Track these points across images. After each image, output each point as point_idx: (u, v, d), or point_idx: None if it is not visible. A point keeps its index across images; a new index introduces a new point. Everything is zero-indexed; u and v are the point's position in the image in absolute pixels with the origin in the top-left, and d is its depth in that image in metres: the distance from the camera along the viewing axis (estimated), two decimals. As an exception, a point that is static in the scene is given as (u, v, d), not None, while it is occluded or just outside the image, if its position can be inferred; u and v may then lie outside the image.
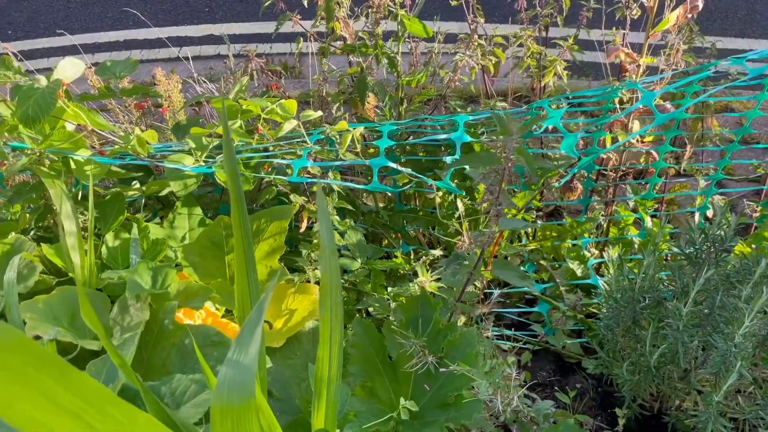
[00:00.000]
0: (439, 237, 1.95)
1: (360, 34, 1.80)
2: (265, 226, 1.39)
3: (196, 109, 2.24)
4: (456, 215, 1.77)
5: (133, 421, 0.56)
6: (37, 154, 1.28)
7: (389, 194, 1.89)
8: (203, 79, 2.36)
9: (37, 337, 1.05)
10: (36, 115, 1.18)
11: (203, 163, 1.37)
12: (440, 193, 1.77)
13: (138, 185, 1.56)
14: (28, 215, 1.39)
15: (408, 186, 1.55)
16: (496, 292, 1.35)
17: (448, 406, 1.09)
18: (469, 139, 1.39)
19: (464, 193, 1.53)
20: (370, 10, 1.60)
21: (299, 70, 3.34)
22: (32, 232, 1.40)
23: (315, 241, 1.63)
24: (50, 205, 1.40)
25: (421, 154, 1.79)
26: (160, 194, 1.66)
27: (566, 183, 1.53)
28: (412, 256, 1.82)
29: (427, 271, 1.49)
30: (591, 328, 1.77)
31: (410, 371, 1.15)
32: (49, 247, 1.33)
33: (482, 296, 1.42)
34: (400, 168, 1.38)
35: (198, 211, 1.57)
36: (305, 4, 1.79)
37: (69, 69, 1.26)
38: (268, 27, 3.87)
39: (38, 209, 1.39)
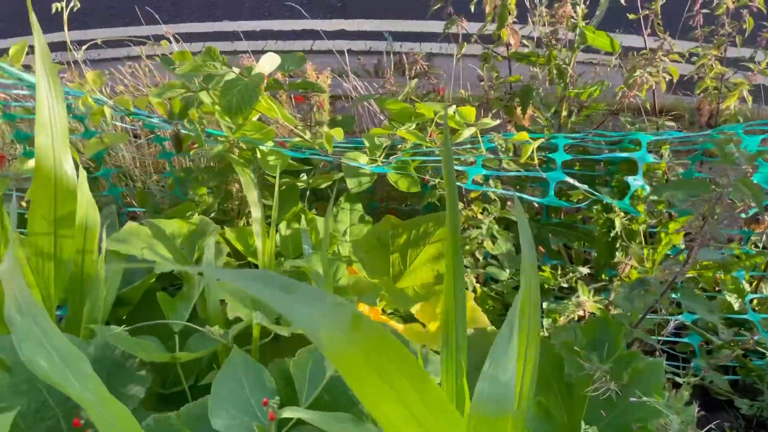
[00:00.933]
0: (585, 253, 1.91)
1: (524, 41, 1.78)
2: (432, 229, 1.40)
3: (346, 104, 2.29)
4: (612, 234, 1.72)
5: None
6: (231, 142, 1.35)
7: (535, 205, 1.86)
8: (351, 74, 2.40)
9: (237, 319, 1.11)
10: (239, 105, 1.24)
11: (380, 163, 1.39)
12: (595, 210, 1.73)
13: (305, 177, 1.61)
14: (210, 198, 1.47)
15: (585, 203, 1.52)
16: (672, 321, 1.30)
17: (628, 436, 1.06)
18: (651, 159, 1.35)
19: (641, 214, 1.48)
20: (548, 19, 1.57)
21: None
22: (212, 215, 1.48)
23: (467, 246, 1.64)
24: (230, 190, 1.47)
25: (576, 168, 1.75)
26: (320, 187, 1.72)
27: (754, 215, 1.45)
28: (559, 271, 1.78)
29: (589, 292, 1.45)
30: (746, 366, 1.67)
31: (585, 395, 1.12)
32: (231, 230, 1.40)
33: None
34: (577, 184, 1.35)
35: (359, 207, 1.60)
36: (471, 9, 1.79)
37: (268, 64, 1.32)
38: (398, 25, 3.90)
39: (220, 193, 1.46)
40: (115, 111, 1.41)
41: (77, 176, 1.09)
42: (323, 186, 1.72)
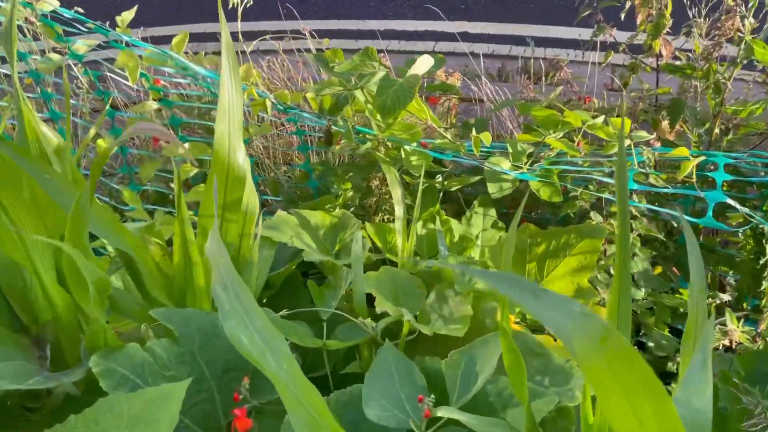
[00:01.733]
0: (721, 278, 1.80)
1: (676, 53, 1.70)
2: (574, 241, 1.38)
3: (474, 107, 2.29)
4: (761, 261, 1.61)
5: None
6: (379, 140, 1.38)
7: (674, 224, 1.78)
8: (484, 77, 2.40)
9: (384, 314, 1.14)
10: (393, 105, 1.27)
11: (526, 170, 1.38)
12: (742, 234, 1.63)
13: (440, 179, 1.62)
14: (350, 193, 1.51)
15: (744, 227, 1.44)
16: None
17: (789, 479, 1.00)
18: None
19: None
20: (707, 31, 1.50)
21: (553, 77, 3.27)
22: (351, 209, 1.52)
23: (602, 261, 1.59)
24: (372, 187, 1.51)
25: (725, 188, 1.65)
26: (450, 190, 1.72)
27: None
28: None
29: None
30: None
31: (740, 430, 1.06)
32: (371, 225, 1.43)
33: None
34: (738, 206, 1.28)
35: (492, 212, 1.60)
36: (621, 18, 1.73)
37: (423, 65, 1.34)
38: (523, 29, 3.86)
39: (362, 189, 1.51)
40: (274, 104, 1.48)
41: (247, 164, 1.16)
42: (453, 189, 1.73)
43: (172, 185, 2.09)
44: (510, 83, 3.22)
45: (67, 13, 1.57)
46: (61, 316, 1.02)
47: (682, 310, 1.68)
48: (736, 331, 1.36)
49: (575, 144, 1.41)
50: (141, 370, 1.01)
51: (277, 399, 1.10)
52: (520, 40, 3.78)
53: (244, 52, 2.65)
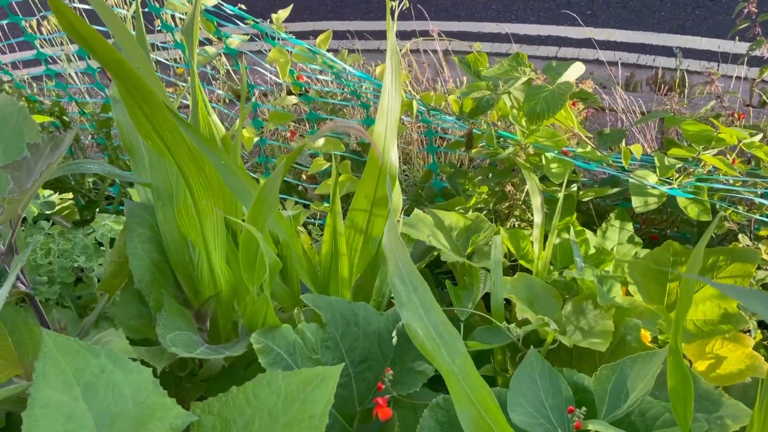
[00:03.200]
0: None
1: None
2: (723, 263, 1.31)
3: (607, 115, 2.23)
4: None
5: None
6: (522, 146, 1.38)
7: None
8: (619, 87, 2.33)
9: (525, 321, 1.13)
10: (542, 111, 1.27)
11: (676, 185, 1.33)
12: None
13: (575, 189, 1.59)
14: (484, 197, 1.52)
15: None
16: None
17: None
18: None
19: None
20: None
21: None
22: (484, 212, 1.53)
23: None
24: (506, 192, 1.51)
25: None
26: (583, 200, 1.69)
27: None
28: None
29: None
30: None
31: None
32: (504, 231, 1.43)
33: None
34: None
35: (629, 227, 1.55)
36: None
37: (574, 72, 1.33)
38: (652, 38, 3.70)
39: (496, 194, 1.51)
40: (420, 105, 1.52)
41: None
42: (586, 199, 1.69)
43: (302, 176, 2.18)
44: (639, 92, 3.10)
45: (230, 8, 1.67)
46: (223, 293, 1.10)
47: None
48: None
49: (731, 162, 1.34)
50: (293, 350, 1.06)
51: (413, 393, 1.12)
52: (648, 49, 3.63)
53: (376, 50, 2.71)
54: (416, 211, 1.42)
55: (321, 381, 0.93)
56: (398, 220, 1.31)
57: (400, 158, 2.74)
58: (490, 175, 1.48)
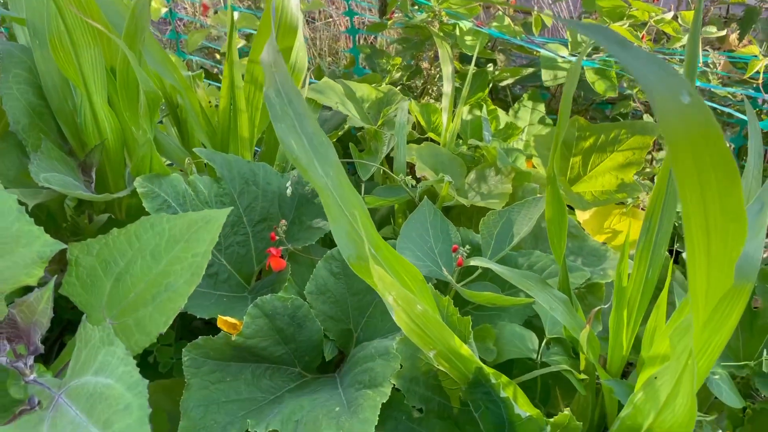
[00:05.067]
0: None
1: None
2: (624, 137, 1.34)
3: None
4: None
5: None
6: (435, 12, 1.34)
7: (730, 145, 1.72)
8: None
9: (423, 177, 1.13)
10: (454, -27, 1.22)
11: (585, 59, 1.33)
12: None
13: (491, 68, 1.58)
14: (398, 73, 1.48)
15: None
16: None
17: (814, 378, 0.99)
18: None
19: None
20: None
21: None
22: (398, 88, 1.50)
23: (647, 169, 1.55)
24: (420, 67, 1.48)
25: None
26: (500, 84, 1.68)
27: None
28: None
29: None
30: None
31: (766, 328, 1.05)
32: (417, 104, 1.41)
33: None
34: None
35: (541, 108, 1.56)
36: None
37: (490, -65, 1.28)
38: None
39: (410, 68, 1.47)
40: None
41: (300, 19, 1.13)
42: (504, 83, 1.68)
43: (218, 56, 2.07)
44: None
45: None
46: (109, 142, 1.04)
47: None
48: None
49: (641, 38, 1.34)
50: (183, 200, 1.02)
51: (309, 247, 1.12)
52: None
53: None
54: (325, 78, 1.37)
55: (206, 222, 0.91)
56: (305, 83, 1.26)
57: (326, 52, 2.65)
58: (404, 46, 1.44)
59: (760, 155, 0.92)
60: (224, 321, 0.92)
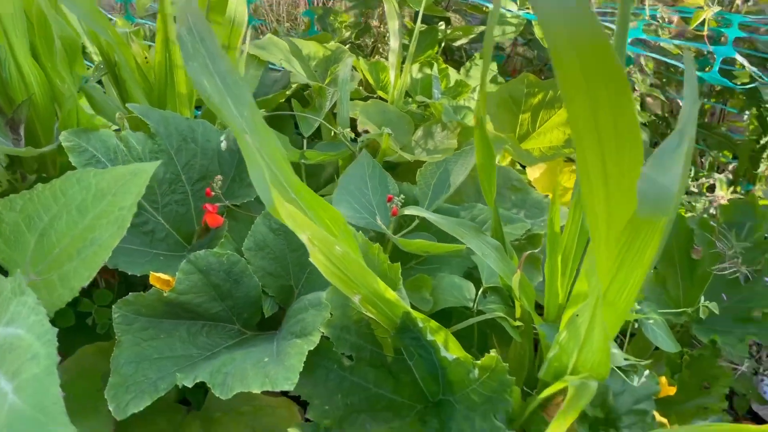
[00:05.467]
0: (720, 163, 1.77)
1: None
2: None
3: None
4: (761, 142, 1.57)
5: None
6: (380, -33, 1.31)
7: (680, 103, 1.73)
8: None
9: (365, 131, 1.11)
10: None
11: (531, 11, 1.32)
12: (748, 115, 1.58)
13: (443, 27, 1.55)
14: (347, 33, 1.45)
15: (746, 112, 1.38)
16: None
17: (749, 322, 1.01)
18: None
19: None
20: None
21: None
22: (347, 46, 1.47)
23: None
24: (369, 24, 1.45)
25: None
26: (454, 44, 1.66)
27: None
28: (691, 175, 1.67)
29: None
30: None
31: (708, 276, 1.07)
32: (365, 62, 1.38)
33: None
34: (746, 63, 1.22)
35: (494, 67, 1.54)
36: None
37: None
38: None
39: (359, 25, 1.44)
40: None
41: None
42: (458, 43, 1.66)
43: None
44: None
45: None
46: (37, 96, 1.00)
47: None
48: (725, 197, 1.34)
49: (587, -8, 1.33)
50: (114, 156, 0.99)
51: (248, 203, 1.09)
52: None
53: None
54: (269, 35, 1.34)
55: (134, 176, 0.88)
56: (245, 38, 1.22)
57: (284, 17, 2.59)
58: (355, 2, 1.41)
59: (695, 102, 0.91)
60: (157, 277, 0.90)
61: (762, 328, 0.98)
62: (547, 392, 0.71)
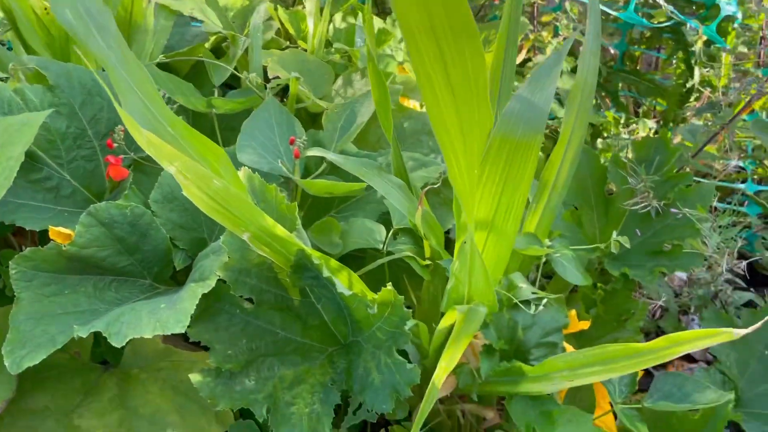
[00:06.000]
0: (654, 111, 1.80)
1: None
2: (492, 37, 1.32)
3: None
4: (688, 86, 1.59)
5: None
6: None
7: (611, 51, 1.73)
8: None
9: (276, 77, 1.08)
10: None
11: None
12: (675, 60, 1.60)
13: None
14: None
15: (671, 57, 1.38)
16: (732, 163, 1.21)
17: (660, 254, 1.02)
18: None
19: (727, 45, 1.34)
20: None
21: None
22: (269, -2, 1.42)
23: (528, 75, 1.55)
24: (289, -28, 1.41)
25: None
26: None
27: None
28: (621, 121, 1.69)
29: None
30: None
31: (623, 213, 1.08)
32: (285, 12, 1.35)
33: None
34: (661, 1, 1.23)
35: (421, 16, 1.51)
36: None
37: None
38: None
39: (279, -26, 1.40)
40: None
41: None
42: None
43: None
44: None
45: None
46: None
47: (606, 133, 1.67)
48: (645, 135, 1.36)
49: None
50: (8, 109, 0.95)
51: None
52: None
53: None
54: (182, -15, 1.29)
55: (22, 125, 0.84)
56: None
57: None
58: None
59: (597, 36, 0.91)
60: (56, 232, 0.88)
61: (672, 260, 0.99)
62: (443, 323, 0.71)
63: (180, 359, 1.01)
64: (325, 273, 0.71)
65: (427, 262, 0.87)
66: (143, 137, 0.54)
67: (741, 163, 1.68)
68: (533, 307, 0.83)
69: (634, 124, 1.63)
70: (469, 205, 0.59)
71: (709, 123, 1.09)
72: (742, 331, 0.58)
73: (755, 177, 1.69)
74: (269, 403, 0.76)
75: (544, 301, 0.85)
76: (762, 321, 0.80)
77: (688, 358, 1.46)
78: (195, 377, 0.75)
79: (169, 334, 0.68)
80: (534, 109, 0.58)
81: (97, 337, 1.04)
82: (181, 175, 0.57)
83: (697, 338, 0.62)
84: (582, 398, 0.95)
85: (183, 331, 0.69)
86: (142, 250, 0.92)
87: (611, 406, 0.87)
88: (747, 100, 1.00)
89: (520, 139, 0.59)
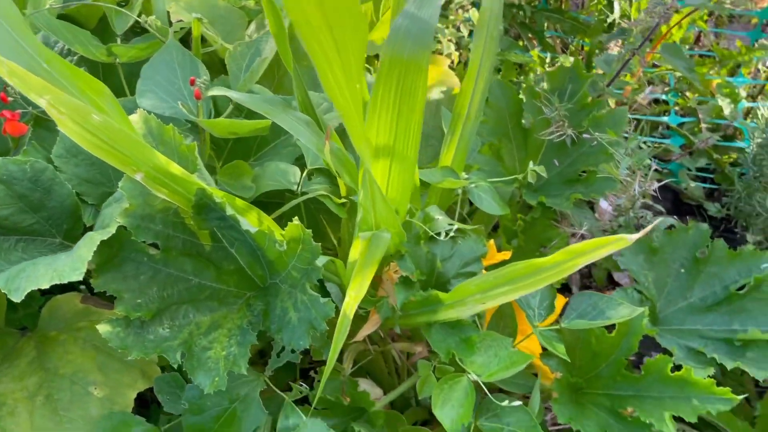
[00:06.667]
0: (582, 50, 1.81)
1: None
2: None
3: None
4: (609, 20, 1.60)
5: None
6: None
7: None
8: None
9: (180, 21, 1.04)
10: None
11: None
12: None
13: None
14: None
15: None
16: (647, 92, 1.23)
17: (576, 182, 1.04)
18: None
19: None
20: None
21: None
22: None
23: (451, 17, 1.53)
24: None
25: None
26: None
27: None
28: (547, 61, 1.69)
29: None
30: (723, 173, 1.64)
31: (541, 144, 1.09)
32: (192, -43, 1.29)
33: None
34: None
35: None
36: None
37: None
38: None
39: None
40: None
41: None
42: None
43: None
44: None
45: None
46: None
47: (531, 73, 1.68)
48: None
49: None
50: None
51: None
52: None
53: None
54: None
55: None
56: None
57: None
58: None
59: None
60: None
61: (587, 186, 1.01)
62: (352, 255, 0.71)
63: (100, 318, 0.98)
64: (229, 211, 0.70)
65: (343, 200, 0.86)
66: (4, 67, 0.50)
67: (664, 96, 1.72)
68: (453, 241, 0.84)
69: (559, 63, 1.64)
70: (356, 127, 0.58)
71: (623, 51, 1.10)
72: (635, 236, 0.59)
73: (677, 109, 1.74)
74: (184, 349, 0.75)
75: (463, 234, 0.86)
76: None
77: (617, 285, 1.51)
78: (103, 327, 0.73)
79: (66, 282, 0.66)
80: (421, 24, 0.57)
81: (13, 303, 1.01)
82: (53, 108, 0.54)
83: (596, 248, 0.63)
84: (506, 325, 0.96)
85: (80, 278, 0.66)
86: (47, 207, 0.89)
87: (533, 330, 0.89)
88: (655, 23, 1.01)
89: (410, 57, 0.58)
